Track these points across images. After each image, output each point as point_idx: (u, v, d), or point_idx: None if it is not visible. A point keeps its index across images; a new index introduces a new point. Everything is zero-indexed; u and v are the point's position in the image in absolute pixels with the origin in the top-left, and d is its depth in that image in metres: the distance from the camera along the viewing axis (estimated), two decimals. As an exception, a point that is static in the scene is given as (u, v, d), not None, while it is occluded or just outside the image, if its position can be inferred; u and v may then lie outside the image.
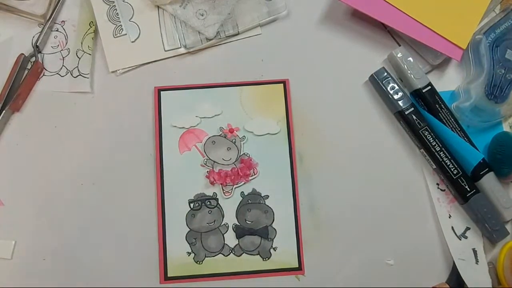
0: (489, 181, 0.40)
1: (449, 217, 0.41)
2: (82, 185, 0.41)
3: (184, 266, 0.38)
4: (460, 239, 0.41)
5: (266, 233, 0.39)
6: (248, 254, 0.39)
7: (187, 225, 0.39)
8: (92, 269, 0.39)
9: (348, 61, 0.44)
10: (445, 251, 0.40)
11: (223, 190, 0.40)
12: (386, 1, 0.41)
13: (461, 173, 0.40)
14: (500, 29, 0.43)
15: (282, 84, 0.42)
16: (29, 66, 0.42)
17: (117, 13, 0.43)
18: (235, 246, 0.39)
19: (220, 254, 0.39)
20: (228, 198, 0.40)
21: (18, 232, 0.40)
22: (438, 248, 0.41)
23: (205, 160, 0.40)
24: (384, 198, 0.41)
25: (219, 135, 0.41)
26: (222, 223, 0.39)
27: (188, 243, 0.39)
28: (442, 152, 0.40)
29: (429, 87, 0.41)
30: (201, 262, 0.39)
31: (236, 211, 0.40)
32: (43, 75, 0.43)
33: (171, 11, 0.43)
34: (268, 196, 0.40)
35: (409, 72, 0.41)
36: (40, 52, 0.43)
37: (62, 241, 0.39)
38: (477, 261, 0.40)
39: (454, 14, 0.42)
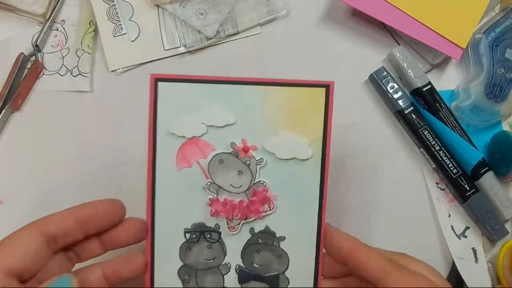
0: (488, 181, 0.40)
1: (449, 216, 0.41)
2: (82, 184, 0.41)
3: None
4: (460, 238, 0.41)
5: (276, 282, 0.32)
6: None
7: (180, 258, 0.32)
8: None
9: (348, 60, 0.44)
10: (445, 250, 0.40)
11: (228, 224, 0.32)
12: (386, 1, 0.41)
13: (460, 172, 0.40)
14: (500, 28, 0.43)
15: (324, 89, 0.31)
16: (29, 65, 0.42)
17: (117, 12, 0.43)
18: None
19: None
20: (234, 234, 0.32)
21: (18, 231, 0.40)
22: (438, 247, 0.41)
23: (209, 183, 0.32)
24: (384, 197, 0.41)
25: (229, 153, 0.31)
26: (223, 262, 0.32)
27: (181, 279, 0.32)
28: (441, 151, 0.40)
29: (429, 86, 0.41)
30: None
31: (242, 250, 0.32)
32: (43, 74, 0.43)
33: (170, 10, 0.43)
34: (285, 238, 0.32)
35: (409, 71, 0.41)
36: (40, 51, 0.43)
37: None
38: (476, 260, 0.40)
39: (454, 13, 0.42)
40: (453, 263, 0.40)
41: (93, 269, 0.29)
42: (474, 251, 0.40)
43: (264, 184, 0.31)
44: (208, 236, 0.32)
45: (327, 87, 0.31)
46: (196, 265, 0.32)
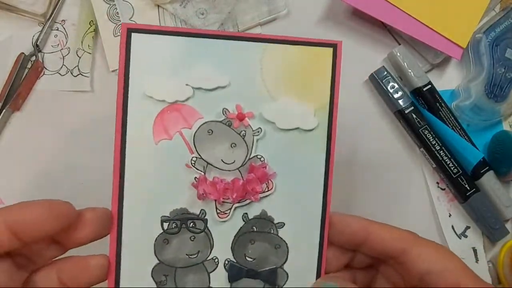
0: (489, 180, 0.40)
1: (449, 216, 0.41)
2: (82, 184, 0.41)
3: None
4: (460, 238, 0.41)
5: (273, 277, 0.26)
6: None
7: (155, 254, 0.26)
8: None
9: (348, 60, 0.43)
10: (445, 250, 0.40)
11: (217, 209, 0.26)
12: (386, 0, 0.41)
13: (461, 172, 0.40)
14: (500, 28, 0.43)
15: (331, 49, 0.27)
16: (29, 65, 0.42)
17: (117, 12, 0.43)
18: None
19: None
20: (224, 221, 0.26)
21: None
22: (438, 247, 0.41)
23: (194, 159, 0.26)
24: (384, 196, 0.41)
25: (221, 121, 0.26)
26: (209, 257, 0.26)
27: (155, 281, 0.26)
28: (442, 151, 0.40)
29: (429, 85, 0.41)
30: None
31: (233, 241, 0.26)
32: (43, 74, 0.43)
33: (171, 10, 0.43)
34: (284, 225, 0.27)
35: (409, 71, 0.41)
36: (40, 51, 0.43)
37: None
38: (477, 260, 0.40)
39: (454, 13, 0.42)
40: (454, 262, 0.40)
41: (47, 273, 0.24)
42: (475, 250, 0.40)
43: (262, 159, 0.26)
44: (191, 226, 0.26)
45: (335, 46, 0.27)
46: (175, 262, 0.26)
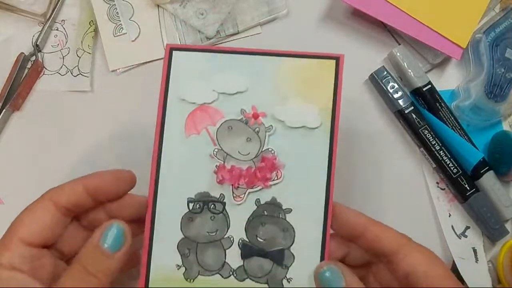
0: (489, 180, 0.40)
1: (449, 216, 0.41)
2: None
3: (170, 281, 0.30)
4: (460, 238, 0.41)
5: (280, 257, 0.30)
6: (254, 280, 0.30)
7: (181, 230, 0.31)
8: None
9: (348, 60, 0.43)
10: (445, 250, 0.40)
11: (233, 193, 0.31)
12: (386, 0, 0.41)
13: (461, 172, 0.40)
14: (500, 28, 0.43)
15: (334, 61, 0.32)
16: (29, 65, 0.42)
17: (117, 12, 0.43)
18: (238, 268, 0.30)
19: (217, 274, 0.30)
20: (239, 204, 0.31)
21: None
22: (438, 246, 0.41)
23: (216, 150, 0.31)
24: (384, 196, 0.41)
25: (239, 120, 0.31)
26: (226, 235, 0.31)
27: (180, 253, 0.30)
28: (442, 151, 0.40)
29: (429, 85, 0.41)
30: (192, 280, 0.30)
31: (247, 223, 0.31)
32: (43, 74, 0.43)
33: (171, 10, 0.43)
34: (291, 210, 0.31)
35: (409, 71, 0.41)
36: (40, 51, 0.43)
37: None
38: (477, 260, 0.40)
39: (454, 13, 0.42)
40: (454, 262, 0.40)
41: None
42: (475, 250, 0.40)
43: (273, 152, 0.31)
44: (211, 207, 0.31)
45: (337, 59, 0.33)
46: (197, 238, 0.30)
